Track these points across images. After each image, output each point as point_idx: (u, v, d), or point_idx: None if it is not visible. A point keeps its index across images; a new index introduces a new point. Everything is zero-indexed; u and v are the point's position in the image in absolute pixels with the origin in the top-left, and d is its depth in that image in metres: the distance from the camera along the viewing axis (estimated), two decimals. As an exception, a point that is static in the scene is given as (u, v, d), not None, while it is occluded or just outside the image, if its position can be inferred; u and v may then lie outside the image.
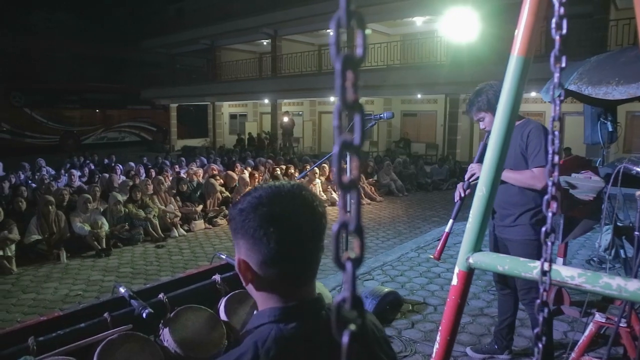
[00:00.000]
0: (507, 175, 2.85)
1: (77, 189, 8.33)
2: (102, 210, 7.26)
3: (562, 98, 0.82)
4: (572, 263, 5.45)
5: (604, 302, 3.41)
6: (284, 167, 10.93)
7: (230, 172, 9.74)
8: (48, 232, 6.46)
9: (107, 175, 9.55)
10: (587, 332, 2.78)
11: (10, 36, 28.28)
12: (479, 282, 4.66)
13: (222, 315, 1.79)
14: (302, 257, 0.90)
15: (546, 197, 0.80)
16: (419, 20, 18.11)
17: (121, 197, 7.52)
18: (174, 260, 6.37)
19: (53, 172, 10.64)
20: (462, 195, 3.09)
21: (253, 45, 23.97)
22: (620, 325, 2.61)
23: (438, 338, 1.35)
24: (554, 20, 0.79)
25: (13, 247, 5.98)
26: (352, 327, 0.40)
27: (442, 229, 7.32)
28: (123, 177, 9.57)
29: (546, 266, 0.83)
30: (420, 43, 17.66)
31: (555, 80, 0.80)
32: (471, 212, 1.26)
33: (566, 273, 1.12)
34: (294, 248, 0.88)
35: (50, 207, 6.54)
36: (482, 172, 1.23)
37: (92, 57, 31.54)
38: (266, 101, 21.99)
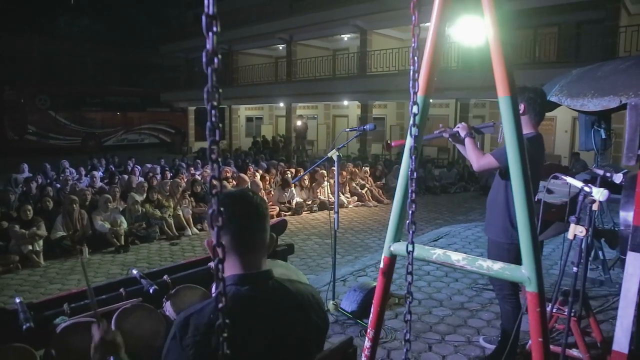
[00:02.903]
0: (468, 144, 3.04)
1: (99, 189, 8.89)
2: (121, 209, 7.80)
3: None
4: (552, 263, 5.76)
5: (564, 295, 3.70)
6: (294, 170, 11.36)
7: (242, 175, 10.21)
8: (72, 229, 7.01)
9: (126, 176, 10.11)
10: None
11: (36, 41, 29.43)
12: (465, 280, 5.02)
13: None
14: (242, 233, 1.29)
15: (409, 200, 1.20)
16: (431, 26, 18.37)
17: (139, 197, 8.04)
18: (187, 257, 6.83)
19: (76, 174, 11.22)
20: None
21: (269, 50, 24.55)
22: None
23: (372, 309, 1.74)
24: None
25: (41, 242, 6.55)
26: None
27: (441, 230, 7.67)
28: (141, 179, 10.11)
29: (410, 247, 1.23)
30: (432, 48, 17.91)
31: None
32: (392, 211, 1.66)
33: (455, 257, 1.52)
34: (234, 225, 1.27)
35: (74, 206, 7.09)
36: (399, 180, 1.63)
37: (113, 61, 32.60)
38: (282, 104, 22.50)
